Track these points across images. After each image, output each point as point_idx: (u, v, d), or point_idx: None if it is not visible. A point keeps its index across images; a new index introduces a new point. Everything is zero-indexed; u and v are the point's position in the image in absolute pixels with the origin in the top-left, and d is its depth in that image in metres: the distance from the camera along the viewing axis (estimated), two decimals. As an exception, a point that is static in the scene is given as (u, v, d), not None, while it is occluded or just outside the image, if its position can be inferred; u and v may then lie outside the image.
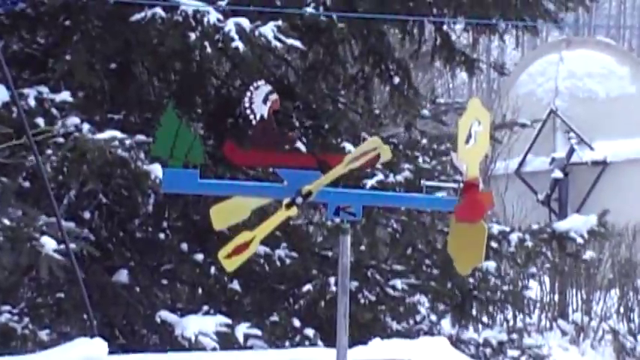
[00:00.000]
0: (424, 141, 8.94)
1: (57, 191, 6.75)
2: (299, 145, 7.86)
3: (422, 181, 4.10)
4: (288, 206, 3.89)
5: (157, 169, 6.62)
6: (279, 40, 7.00)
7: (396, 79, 8.80)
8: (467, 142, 3.94)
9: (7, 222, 5.98)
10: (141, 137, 6.63)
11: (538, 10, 8.61)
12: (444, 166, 8.17)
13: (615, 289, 13.07)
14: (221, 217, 4.02)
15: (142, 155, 6.57)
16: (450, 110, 9.23)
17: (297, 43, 7.13)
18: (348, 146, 7.90)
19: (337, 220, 4.00)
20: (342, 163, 3.89)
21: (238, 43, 6.90)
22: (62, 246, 6.01)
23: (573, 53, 15.57)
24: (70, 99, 6.83)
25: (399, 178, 7.95)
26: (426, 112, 9.03)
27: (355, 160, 3.89)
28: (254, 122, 3.94)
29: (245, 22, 7.01)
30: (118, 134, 6.56)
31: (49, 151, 6.51)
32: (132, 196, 7.61)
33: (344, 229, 3.98)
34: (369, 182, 7.80)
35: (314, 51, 8.47)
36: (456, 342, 8.62)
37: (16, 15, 7.62)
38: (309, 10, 7.65)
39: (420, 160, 8.31)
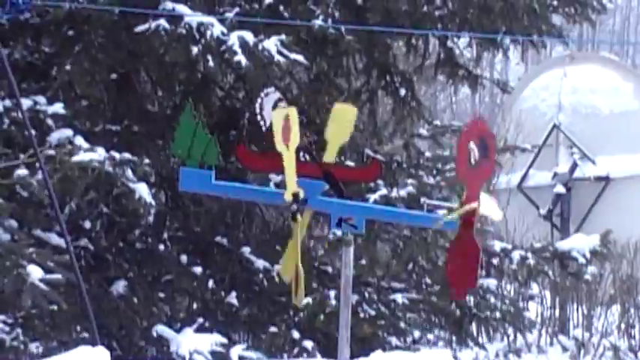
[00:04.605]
0: (427, 154, 8.92)
1: (60, 199, 6.70)
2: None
3: (422, 199, 4.13)
4: (293, 218, 3.92)
5: (142, 189, 6.61)
6: (282, 54, 7.00)
7: (402, 91, 8.78)
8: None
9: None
10: (126, 155, 6.61)
11: (545, 23, 8.58)
12: (447, 182, 8.12)
13: (616, 305, 13.01)
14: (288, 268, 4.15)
15: (130, 173, 6.56)
16: (447, 132, 9.19)
17: (300, 58, 7.13)
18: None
19: (339, 232, 4.03)
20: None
21: (241, 57, 6.90)
22: (49, 275, 5.93)
23: (577, 68, 15.53)
24: (62, 111, 6.80)
25: (402, 193, 7.91)
26: (424, 132, 9.01)
27: None
28: (264, 129, 4.02)
29: (249, 36, 7.01)
30: (99, 154, 6.49)
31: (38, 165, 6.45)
32: (133, 206, 7.58)
33: (347, 241, 4.01)
34: (372, 197, 7.77)
35: (318, 63, 8.45)
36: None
37: (20, 24, 7.61)
38: (318, 22, 7.64)
39: (424, 176, 8.26)
